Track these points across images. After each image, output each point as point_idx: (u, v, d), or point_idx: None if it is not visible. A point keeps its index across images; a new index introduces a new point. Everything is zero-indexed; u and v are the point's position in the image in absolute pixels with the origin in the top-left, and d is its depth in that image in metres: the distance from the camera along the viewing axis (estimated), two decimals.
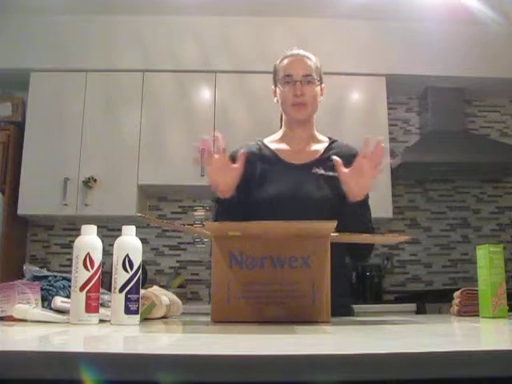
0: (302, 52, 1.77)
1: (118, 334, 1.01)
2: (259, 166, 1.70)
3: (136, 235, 1.19)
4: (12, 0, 3.48)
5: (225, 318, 1.19)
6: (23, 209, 3.40)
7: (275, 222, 1.23)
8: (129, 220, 3.44)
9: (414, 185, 3.90)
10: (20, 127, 3.59)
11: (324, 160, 1.70)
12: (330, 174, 1.65)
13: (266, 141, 1.79)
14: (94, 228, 1.18)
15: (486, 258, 1.41)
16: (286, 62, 1.74)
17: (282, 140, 1.77)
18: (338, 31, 3.72)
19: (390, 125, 3.69)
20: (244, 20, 3.67)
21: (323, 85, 1.83)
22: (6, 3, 3.49)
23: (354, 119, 3.62)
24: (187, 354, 0.66)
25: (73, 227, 3.69)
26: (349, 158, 1.65)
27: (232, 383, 0.62)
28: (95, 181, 3.41)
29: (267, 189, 1.64)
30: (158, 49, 3.65)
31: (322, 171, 1.67)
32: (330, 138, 1.81)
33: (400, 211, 3.81)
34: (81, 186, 3.41)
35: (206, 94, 3.61)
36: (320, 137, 1.80)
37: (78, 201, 3.41)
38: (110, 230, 3.41)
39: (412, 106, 4.03)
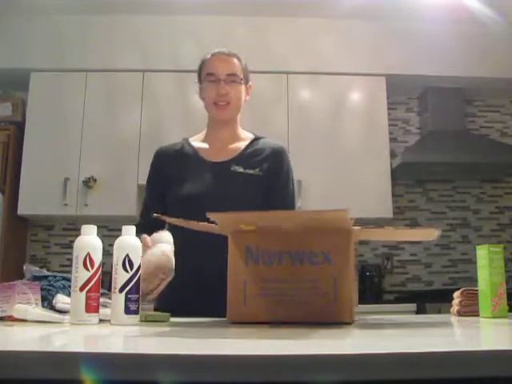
0: (227, 50, 1.76)
1: (118, 334, 1.01)
2: (178, 164, 1.71)
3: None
4: (12, 0, 3.48)
5: (241, 319, 1.14)
6: (23, 209, 3.40)
7: (289, 212, 1.20)
8: (129, 220, 3.44)
9: (414, 185, 3.90)
10: (20, 127, 3.59)
11: (244, 157, 1.69)
12: (250, 171, 1.66)
13: (191, 139, 1.80)
14: (94, 228, 1.18)
15: (486, 258, 1.41)
16: (210, 59, 1.73)
17: (205, 139, 1.78)
18: (338, 31, 3.72)
19: (389, 125, 3.69)
20: (244, 20, 3.67)
21: (250, 83, 1.78)
22: (7, 3, 3.49)
23: (354, 119, 3.62)
24: (187, 354, 0.66)
25: (73, 227, 3.69)
26: (272, 152, 1.70)
27: (232, 383, 0.62)
28: (95, 181, 3.41)
29: (185, 187, 1.65)
30: (158, 49, 3.65)
31: (240, 169, 1.66)
32: (255, 135, 1.79)
33: (400, 211, 3.81)
34: (81, 186, 3.41)
35: None
36: (244, 135, 1.78)
37: (77, 201, 3.41)
38: (110, 230, 3.41)
39: (412, 106, 4.03)
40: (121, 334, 1.01)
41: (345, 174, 3.49)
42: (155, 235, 1.41)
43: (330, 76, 3.67)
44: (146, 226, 1.57)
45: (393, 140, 3.82)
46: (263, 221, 1.18)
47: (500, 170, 3.81)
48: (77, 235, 1.19)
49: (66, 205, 3.38)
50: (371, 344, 0.85)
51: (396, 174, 3.65)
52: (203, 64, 1.75)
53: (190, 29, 3.68)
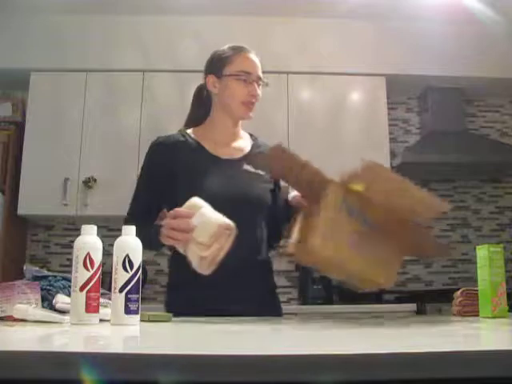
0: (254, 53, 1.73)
1: (118, 334, 1.01)
2: (185, 157, 1.62)
3: (136, 235, 1.19)
4: (12, 0, 3.48)
5: (309, 258, 1.20)
6: (23, 209, 3.40)
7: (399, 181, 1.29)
8: None
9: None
10: (20, 127, 3.58)
11: (252, 157, 1.67)
12: (260, 172, 1.63)
13: (189, 131, 1.71)
14: (94, 228, 1.18)
15: (486, 258, 1.41)
16: (244, 55, 1.69)
17: (206, 133, 1.69)
18: (338, 31, 3.72)
19: (389, 125, 3.69)
20: (244, 20, 3.67)
21: None
22: (6, 3, 3.49)
23: (354, 119, 3.62)
24: (187, 353, 0.66)
25: (73, 227, 3.69)
26: None
27: (232, 383, 0.62)
28: (95, 181, 3.41)
29: (200, 183, 1.55)
30: (158, 49, 3.65)
31: (252, 169, 1.63)
32: (251, 135, 1.77)
33: None
34: (81, 186, 3.41)
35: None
36: (242, 133, 1.76)
37: (77, 201, 3.41)
38: (110, 230, 3.40)
39: (412, 106, 4.03)
40: (121, 334, 1.01)
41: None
42: (187, 204, 1.33)
43: (330, 76, 3.67)
44: (137, 220, 1.49)
45: (393, 140, 3.81)
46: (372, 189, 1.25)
47: (500, 170, 3.81)
48: (77, 235, 1.19)
49: (65, 205, 3.38)
50: (371, 344, 0.85)
51: None
52: (231, 58, 1.69)
53: (190, 29, 3.68)
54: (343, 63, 3.65)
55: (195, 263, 1.29)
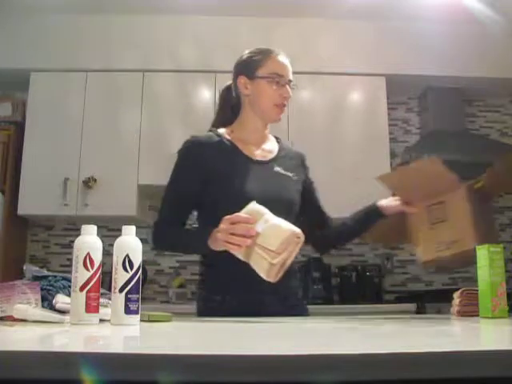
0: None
1: (118, 334, 1.01)
2: (221, 157, 1.60)
3: (136, 235, 1.19)
4: (12, 0, 3.48)
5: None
6: (23, 209, 3.40)
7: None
8: (129, 220, 3.44)
9: None
10: (20, 127, 3.58)
11: (281, 159, 1.69)
12: (289, 174, 1.66)
13: (222, 131, 1.68)
14: (94, 228, 1.18)
15: (486, 258, 1.41)
16: (278, 58, 1.68)
17: (237, 134, 1.67)
18: (338, 31, 3.72)
19: (389, 125, 3.69)
20: (244, 20, 3.67)
21: None
22: (6, 3, 3.49)
23: (354, 119, 3.62)
24: (187, 353, 0.66)
25: (73, 227, 3.69)
26: (299, 158, 1.76)
27: (232, 383, 0.62)
28: (95, 181, 3.41)
29: (237, 184, 1.55)
30: (158, 49, 3.65)
31: (282, 170, 1.65)
32: (275, 136, 1.77)
33: None
34: (81, 186, 3.41)
35: (205, 94, 3.61)
36: (269, 135, 1.76)
37: (77, 201, 3.41)
38: (110, 230, 3.40)
39: (412, 106, 4.03)
40: (121, 334, 1.01)
41: (345, 174, 3.49)
42: (246, 209, 1.32)
43: (330, 76, 3.67)
44: (171, 224, 1.59)
45: (393, 140, 3.81)
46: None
47: None
48: (77, 235, 1.19)
49: (66, 205, 3.38)
50: (371, 344, 0.85)
51: None
52: (264, 60, 1.66)
53: (190, 29, 3.68)
54: (343, 63, 3.65)
55: (263, 270, 1.25)
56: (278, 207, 1.48)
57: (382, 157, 3.58)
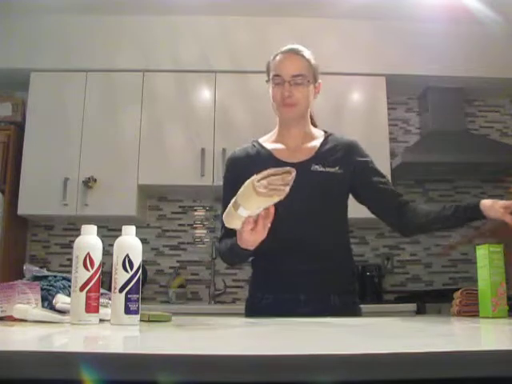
0: (295, 48, 1.74)
1: (118, 334, 1.01)
2: (256, 168, 1.64)
3: (136, 235, 1.19)
4: (12, 0, 3.48)
5: None
6: (23, 209, 3.40)
7: None
8: (129, 220, 3.44)
9: (414, 185, 3.89)
10: (20, 127, 3.59)
11: (321, 156, 1.69)
12: (330, 170, 1.65)
13: (262, 140, 1.76)
14: (94, 228, 1.18)
15: (486, 258, 1.41)
16: (277, 59, 1.70)
17: (277, 139, 1.75)
18: (338, 31, 3.72)
19: (389, 125, 3.69)
20: (244, 20, 3.67)
21: (319, 81, 1.77)
22: (6, 3, 3.49)
23: (354, 119, 3.62)
24: (187, 353, 0.66)
25: (73, 227, 3.69)
26: (347, 148, 1.72)
27: (232, 383, 0.62)
28: (95, 181, 3.41)
29: None
30: (158, 49, 3.65)
31: (321, 168, 1.65)
32: (325, 132, 1.79)
33: None
34: (81, 186, 3.41)
35: (205, 94, 3.61)
36: (315, 132, 1.78)
37: (77, 201, 3.41)
38: (110, 230, 3.41)
39: (412, 106, 4.03)
40: (121, 334, 1.01)
41: None
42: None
43: (330, 76, 3.65)
44: (228, 238, 1.60)
45: (393, 140, 3.81)
46: None
47: (500, 170, 3.81)
48: (77, 235, 1.19)
49: (65, 205, 3.38)
50: (371, 344, 0.85)
51: (396, 174, 3.64)
52: (270, 64, 1.71)
53: (190, 29, 3.68)
54: (343, 63, 3.65)
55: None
56: (313, 205, 1.58)
57: (382, 157, 3.57)
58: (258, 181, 1.24)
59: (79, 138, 3.49)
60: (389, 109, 3.70)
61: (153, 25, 3.67)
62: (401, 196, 1.72)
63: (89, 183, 3.39)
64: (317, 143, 1.72)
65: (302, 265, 1.52)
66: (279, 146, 1.72)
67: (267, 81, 1.72)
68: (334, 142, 1.73)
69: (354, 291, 1.73)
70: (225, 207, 1.65)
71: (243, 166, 1.65)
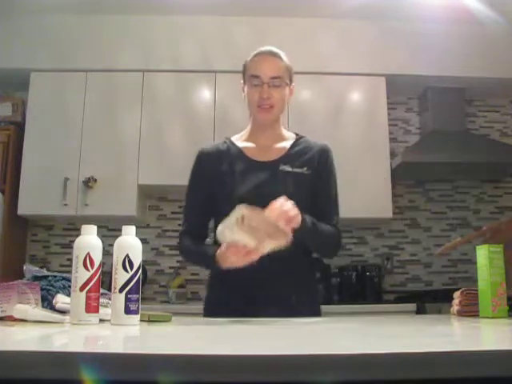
0: (273, 50, 1.72)
1: (118, 334, 1.01)
2: (226, 164, 1.69)
3: (136, 235, 1.19)
4: (12, 0, 3.48)
5: None
6: (23, 209, 3.40)
7: None
8: (129, 220, 3.44)
9: (414, 185, 3.89)
10: (20, 127, 3.58)
11: (291, 156, 1.69)
12: (298, 170, 1.66)
13: (234, 138, 1.78)
14: (94, 228, 1.18)
15: (486, 258, 1.41)
16: (255, 59, 1.70)
17: (249, 138, 1.76)
18: (338, 31, 3.72)
19: (390, 125, 3.69)
20: (244, 20, 3.67)
21: (293, 84, 1.76)
22: (6, 3, 3.49)
23: (354, 119, 3.62)
24: (187, 354, 0.66)
25: (73, 227, 3.69)
26: (319, 151, 1.72)
27: (232, 383, 0.62)
28: (95, 181, 3.41)
29: (237, 187, 1.63)
30: (158, 49, 3.65)
31: (289, 168, 1.66)
32: (296, 135, 1.79)
33: (400, 211, 3.81)
34: (81, 185, 3.41)
35: (205, 94, 3.61)
36: (287, 134, 1.78)
37: (77, 201, 3.41)
38: (110, 230, 3.41)
39: (412, 106, 4.03)
40: (121, 334, 1.01)
41: (345, 174, 3.47)
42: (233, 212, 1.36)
43: (330, 76, 3.67)
44: (191, 234, 1.68)
45: (393, 140, 3.81)
46: None
47: (500, 170, 3.81)
48: (77, 235, 1.19)
49: (65, 205, 3.38)
50: (371, 344, 0.85)
51: (396, 174, 3.64)
52: (247, 64, 1.72)
53: (190, 29, 3.68)
54: (343, 63, 3.65)
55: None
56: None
57: (382, 157, 3.58)
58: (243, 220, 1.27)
59: (79, 138, 3.49)
60: (389, 109, 3.70)
61: (153, 25, 3.67)
62: (331, 221, 1.70)
63: (89, 183, 3.39)
64: (287, 144, 1.74)
65: (264, 264, 1.50)
66: (250, 144, 1.74)
67: (244, 82, 1.73)
68: (305, 145, 1.74)
69: (316, 291, 1.73)
70: (188, 200, 1.74)
71: (212, 161, 1.70)
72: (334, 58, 3.66)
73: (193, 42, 3.65)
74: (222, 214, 1.47)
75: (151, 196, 3.79)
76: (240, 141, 1.76)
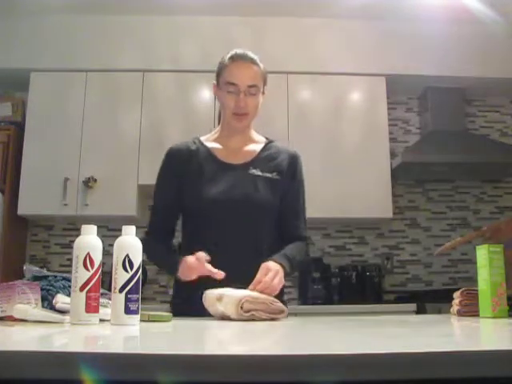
0: (251, 56, 1.68)
1: (118, 334, 1.01)
2: (195, 164, 1.68)
3: (136, 235, 1.19)
4: (12, 0, 3.48)
5: None
6: (23, 209, 3.40)
7: None
8: (129, 220, 3.44)
9: (414, 185, 3.89)
10: (20, 127, 3.58)
11: (260, 161, 1.70)
12: (267, 175, 1.66)
13: (203, 139, 1.77)
14: (94, 228, 1.18)
15: (486, 258, 1.41)
16: (232, 65, 1.67)
17: (218, 139, 1.75)
18: (338, 31, 3.72)
19: (389, 125, 3.69)
20: (244, 20, 3.67)
21: (265, 87, 1.75)
22: (6, 3, 3.49)
23: (354, 119, 3.62)
24: (187, 354, 0.66)
25: (73, 227, 3.69)
26: (288, 158, 1.73)
27: (232, 383, 0.62)
28: (95, 181, 3.41)
29: (206, 189, 1.63)
30: (158, 49, 3.65)
31: (258, 172, 1.66)
32: (267, 138, 1.79)
33: (400, 211, 3.81)
34: (81, 185, 3.41)
35: (205, 94, 3.61)
36: (257, 137, 1.78)
37: (77, 201, 3.41)
38: (110, 230, 3.40)
39: (412, 106, 4.03)
40: (121, 334, 1.01)
41: (345, 174, 3.49)
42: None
43: (330, 76, 3.67)
44: (156, 236, 1.68)
45: (393, 140, 3.81)
46: None
47: (500, 170, 3.81)
48: (77, 235, 1.19)
49: (65, 205, 3.38)
50: (371, 344, 0.85)
51: (396, 174, 3.65)
52: (223, 68, 1.69)
53: (190, 29, 3.68)
54: (343, 63, 3.65)
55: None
56: (247, 209, 1.59)
57: (382, 157, 3.58)
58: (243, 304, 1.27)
59: (79, 138, 3.49)
60: (389, 109, 3.70)
61: (153, 25, 3.67)
62: (298, 231, 1.70)
63: (89, 183, 3.39)
64: (257, 148, 1.73)
65: (230, 263, 1.49)
66: (219, 146, 1.73)
67: (217, 83, 1.71)
68: (275, 150, 1.74)
69: (281, 291, 1.73)
70: (157, 199, 1.76)
71: (182, 160, 1.69)
72: (334, 58, 3.66)
73: (193, 42, 3.65)
74: (190, 215, 1.48)
75: (151, 196, 3.78)
76: (209, 141, 1.75)
